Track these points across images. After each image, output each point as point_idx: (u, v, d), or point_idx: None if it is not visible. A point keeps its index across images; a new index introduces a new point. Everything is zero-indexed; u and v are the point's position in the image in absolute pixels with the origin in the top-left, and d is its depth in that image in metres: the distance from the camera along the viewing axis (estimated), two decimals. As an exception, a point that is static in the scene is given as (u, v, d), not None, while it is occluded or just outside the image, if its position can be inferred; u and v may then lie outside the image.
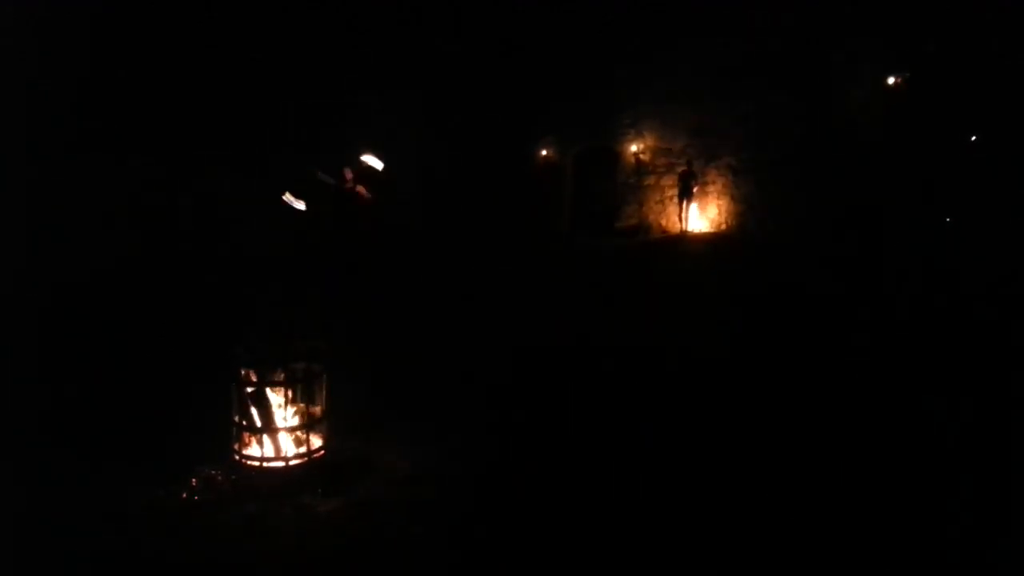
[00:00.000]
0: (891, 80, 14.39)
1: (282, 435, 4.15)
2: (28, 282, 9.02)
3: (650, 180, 17.61)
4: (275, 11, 13.27)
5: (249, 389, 4.07)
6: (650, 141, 17.50)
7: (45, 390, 5.67)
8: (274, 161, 12.90)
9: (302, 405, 4.21)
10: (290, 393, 4.17)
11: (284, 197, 9.93)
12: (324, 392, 4.28)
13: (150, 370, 6.22)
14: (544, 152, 18.34)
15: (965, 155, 13.71)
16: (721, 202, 16.78)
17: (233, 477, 4.07)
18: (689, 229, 16.69)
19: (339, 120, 14.80)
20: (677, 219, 16.97)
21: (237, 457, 4.13)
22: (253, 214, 12.65)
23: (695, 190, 16.60)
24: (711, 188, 16.84)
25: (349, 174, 10.59)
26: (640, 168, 17.72)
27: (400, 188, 15.73)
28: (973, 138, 14.01)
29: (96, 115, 11.03)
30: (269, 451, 4.12)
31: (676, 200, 16.95)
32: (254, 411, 4.09)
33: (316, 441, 4.23)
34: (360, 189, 10.60)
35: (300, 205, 10.03)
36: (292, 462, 4.12)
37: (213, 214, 12.44)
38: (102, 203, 10.98)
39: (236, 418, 4.12)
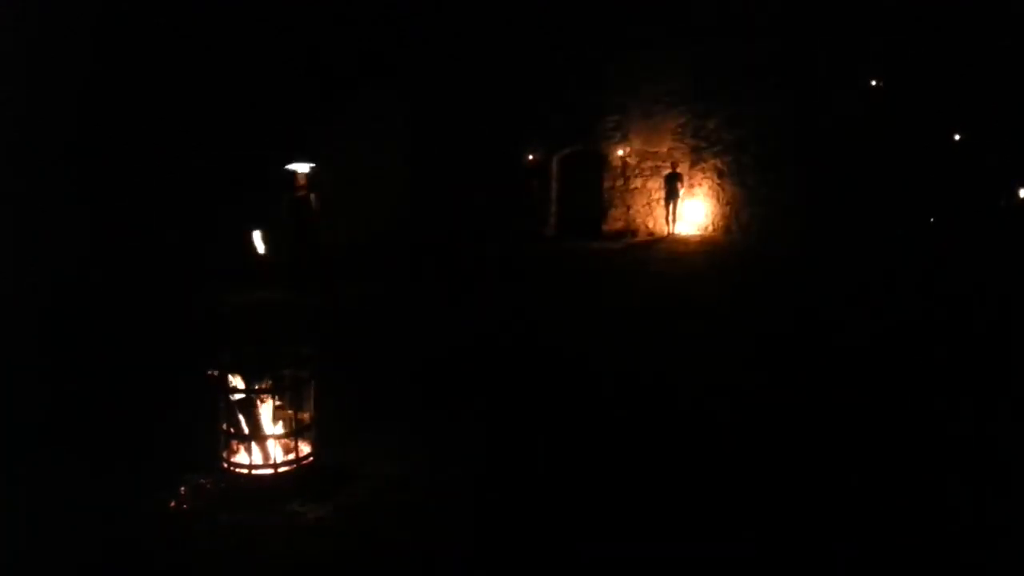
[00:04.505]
0: (874, 82, 14.53)
1: (270, 442, 4.15)
2: (18, 286, 8.96)
3: (636, 183, 17.68)
4: (265, 9, 13.25)
5: (236, 396, 4.07)
6: (636, 144, 17.57)
7: (31, 396, 5.62)
8: (262, 162, 12.86)
9: (290, 412, 4.21)
10: (278, 400, 4.16)
11: (252, 236, 10.31)
12: (312, 398, 4.28)
13: (138, 376, 6.19)
14: (530, 155, 18.37)
15: (947, 154, 13.86)
16: (707, 205, 16.87)
17: (221, 485, 4.07)
18: (676, 232, 16.77)
19: (326, 122, 14.78)
20: (664, 222, 17.05)
21: (225, 465, 4.13)
22: (243, 218, 12.60)
23: (681, 192, 16.68)
24: (697, 191, 16.94)
25: (302, 180, 10.68)
26: (626, 171, 17.78)
27: (388, 189, 15.75)
28: (957, 137, 14.17)
29: (90, 120, 10.98)
30: (257, 458, 4.11)
31: (662, 203, 17.03)
32: (242, 418, 4.08)
33: (304, 448, 4.23)
34: (312, 196, 10.72)
35: (261, 248, 10.40)
36: (281, 469, 4.11)
37: (204, 218, 12.38)
38: (95, 207, 10.92)
39: (224, 426, 4.12)
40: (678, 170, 16.72)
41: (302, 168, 10.72)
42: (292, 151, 12.46)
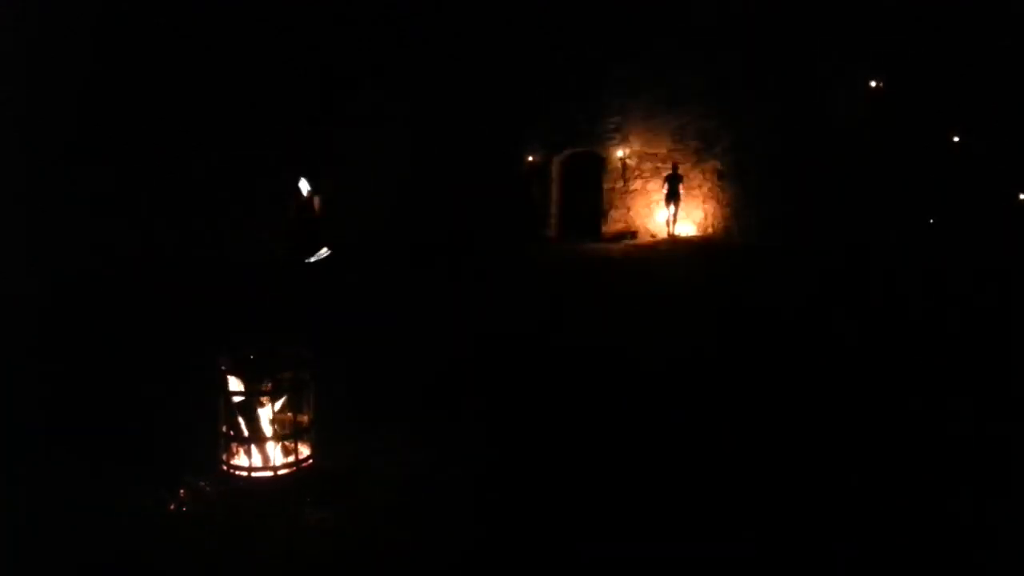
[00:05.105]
0: (873, 83, 14.53)
1: (270, 444, 4.14)
2: (18, 286, 8.95)
3: (636, 184, 17.68)
4: (264, 9, 13.25)
5: (236, 399, 4.06)
6: (636, 146, 17.56)
7: (31, 396, 5.62)
8: (259, 165, 12.86)
9: (290, 414, 4.20)
10: (277, 402, 4.16)
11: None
12: (312, 400, 4.27)
13: (138, 377, 6.19)
14: (531, 157, 18.38)
15: (947, 156, 13.87)
16: (707, 206, 16.86)
17: (221, 487, 4.06)
18: (676, 233, 16.75)
19: (326, 122, 14.78)
20: (664, 223, 17.03)
21: (225, 467, 4.12)
22: (240, 220, 12.61)
23: (682, 193, 16.65)
24: (697, 192, 16.93)
25: (307, 187, 10.71)
26: (626, 173, 17.78)
27: (386, 191, 15.75)
28: (956, 139, 14.18)
29: (90, 120, 10.98)
30: (257, 461, 4.11)
31: (663, 204, 17.00)
32: (241, 421, 4.08)
33: (304, 450, 4.22)
34: (315, 198, 10.70)
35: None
36: (281, 471, 4.11)
37: (200, 222, 12.38)
38: (96, 207, 10.92)
39: (224, 428, 4.11)
40: (678, 171, 16.71)
41: (303, 186, 10.79)
42: (292, 151, 12.45)
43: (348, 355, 6.63)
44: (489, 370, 6.87)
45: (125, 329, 7.98)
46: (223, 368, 4.06)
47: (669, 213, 16.81)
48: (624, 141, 17.69)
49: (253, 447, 4.10)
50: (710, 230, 16.76)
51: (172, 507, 3.90)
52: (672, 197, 16.67)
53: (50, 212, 10.34)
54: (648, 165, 17.49)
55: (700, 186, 16.90)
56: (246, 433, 4.08)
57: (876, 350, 7.36)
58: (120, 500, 3.97)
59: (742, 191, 16.33)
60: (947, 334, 7.89)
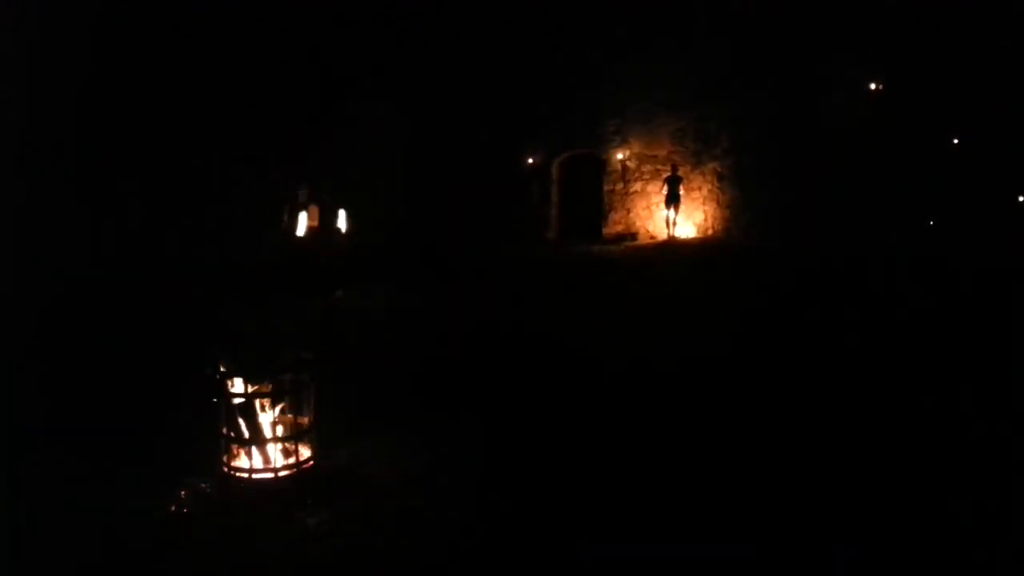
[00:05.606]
0: (873, 84, 14.54)
1: (270, 446, 4.14)
2: (18, 287, 8.95)
3: (636, 186, 17.67)
4: (268, 16, 13.26)
5: (237, 401, 4.06)
6: (636, 148, 17.55)
7: (31, 397, 5.62)
8: (260, 169, 12.86)
9: (290, 416, 4.20)
10: (278, 404, 4.16)
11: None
12: (312, 403, 4.27)
13: (138, 378, 6.18)
14: (530, 159, 18.38)
15: (946, 157, 13.87)
16: (707, 208, 16.85)
17: (222, 489, 4.06)
18: (676, 235, 16.74)
19: (326, 123, 14.79)
20: (664, 225, 17.01)
21: (225, 469, 4.12)
22: (240, 223, 12.60)
23: (681, 195, 16.63)
24: (697, 194, 16.92)
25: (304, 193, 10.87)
26: (626, 175, 17.78)
27: (385, 193, 15.76)
28: (955, 141, 14.18)
29: (90, 120, 10.98)
30: (258, 462, 4.10)
31: (663, 206, 16.98)
32: (242, 423, 4.07)
33: (304, 452, 4.22)
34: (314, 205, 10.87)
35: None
36: (281, 473, 4.11)
37: (201, 222, 12.38)
38: (95, 207, 10.92)
39: (224, 430, 4.11)
40: (678, 173, 16.70)
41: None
42: (292, 151, 12.44)
43: (348, 357, 6.63)
44: (489, 371, 6.87)
45: (125, 330, 7.98)
46: (223, 370, 4.06)
47: (669, 215, 16.80)
48: (624, 143, 17.68)
49: (254, 449, 4.10)
50: (710, 232, 16.75)
51: (172, 508, 3.90)
52: (672, 199, 16.65)
53: (50, 212, 10.34)
54: (648, 167, 17.48)
55: (700, 188, 16.89)
56: (246, 435, 4.08)
57: (876, 350, 7.36)
58: (120, 500, 3.97)
59: (742, 193, 16.33)
60: (947, 334, 7.89)
